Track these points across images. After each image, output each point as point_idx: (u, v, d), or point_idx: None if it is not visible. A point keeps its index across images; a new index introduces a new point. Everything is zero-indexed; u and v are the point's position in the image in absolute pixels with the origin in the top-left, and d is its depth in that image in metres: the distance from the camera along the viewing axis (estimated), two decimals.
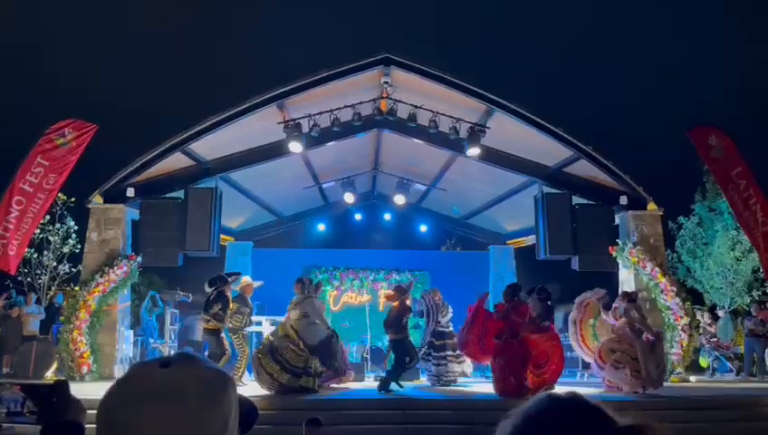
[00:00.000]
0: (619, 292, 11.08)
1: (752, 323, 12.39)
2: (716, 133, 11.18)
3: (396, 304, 9.25)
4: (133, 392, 0.82)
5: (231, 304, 9.39)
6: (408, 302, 9.52)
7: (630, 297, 9.09)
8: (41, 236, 14.11)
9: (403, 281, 15.21)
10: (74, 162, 10.73)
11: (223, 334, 9.34)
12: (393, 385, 8.84)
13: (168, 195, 11.47)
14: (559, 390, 0.83)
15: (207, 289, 9.29)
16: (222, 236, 12.59)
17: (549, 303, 9.12)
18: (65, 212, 14.23)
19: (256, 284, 10.47)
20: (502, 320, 8.49)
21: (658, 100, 37.63)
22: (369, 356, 12.25)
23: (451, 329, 10.37)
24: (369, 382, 10.53)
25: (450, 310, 10.56)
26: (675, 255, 17.40)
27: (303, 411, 7.33)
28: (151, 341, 12.36)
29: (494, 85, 10.86)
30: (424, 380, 10.71)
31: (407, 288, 9.72)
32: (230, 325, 9.48)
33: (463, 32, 47.41)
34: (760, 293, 15.80)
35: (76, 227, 14.17)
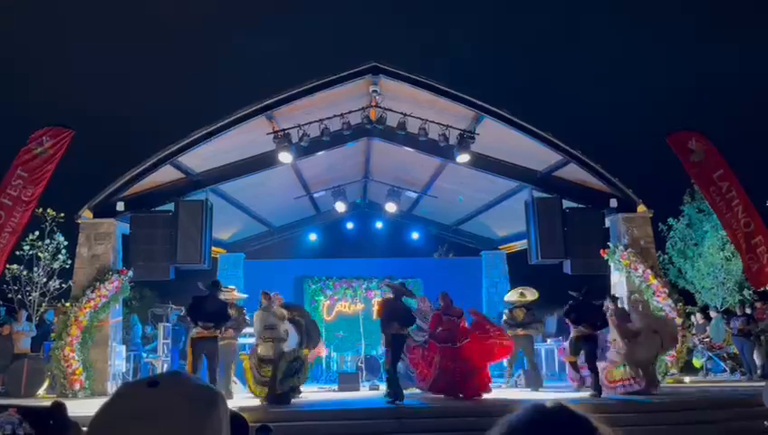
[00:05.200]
0: (612, 294, 11.16)
1: (740, 323, 12.44)
2: (696, 137, 11.30)
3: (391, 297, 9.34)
4: (121, 414, 0.81)
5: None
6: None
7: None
8: (30, 252, 14.00)
9: None
10: (51, 171, 10.56)
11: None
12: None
13: (158, 208, 11.41)
14: (545, 399, 0.83)
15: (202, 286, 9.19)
16: (213, 248, 12.55)
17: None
18: (55, 228, 14.13)
19: (241, 295, 10.56)
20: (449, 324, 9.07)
21: (645, 101, 37.92)
22: (363, 365, 12.22)
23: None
24: (365, 392, 10.49)
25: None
26: (665, 256, 17.51)
27: (297, 423, 7.30)
28: (144, 355, 12.27)
29: (482, 90, 10.92)
30: (414, 389, 10.64)
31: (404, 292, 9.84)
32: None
33: (450, 36, 47.62)
34: (751, 292, 15.90)
35: (66, 243, 14.07)
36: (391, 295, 9.23)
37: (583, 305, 9.26)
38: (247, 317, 10.36)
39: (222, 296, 9.58)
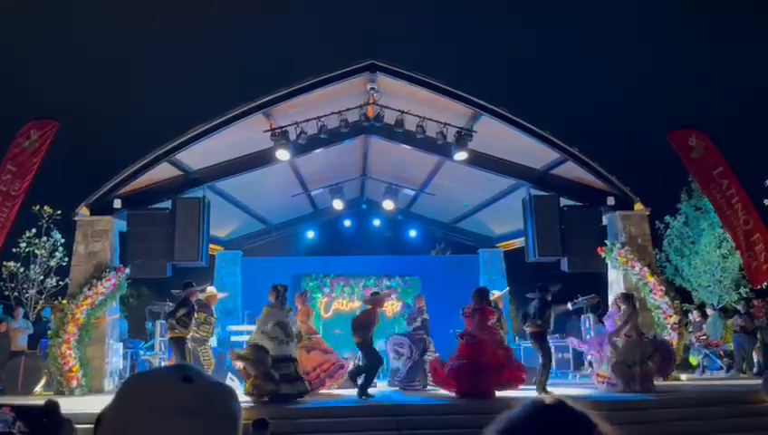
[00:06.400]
0: (611, 293, 11.19)
1: (741, 320, 12.50)
2: (696, 134, 11.34)
3: (370, 308, 9.30)
4: (163, 408, 0.80)
5: (198, 314, 9.14)
6: (378, 310, 9.49)
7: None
8: (27, 249, 13.98)
9: (393, 286, 15.24)
10: (38, 164, 10.55)
11: (188, 345, 8.87)
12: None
13: (155, 205, 11.39)
14: (544, 396, 0.82)
15: (176, 293, 9.15)
16: (211, 245, 12.53)
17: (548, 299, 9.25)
18: (51, 225, 14.11)
19: (221, 295, 10.43)
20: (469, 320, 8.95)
21: (643, 99, 37.94)
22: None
23: (423, 336, 10.47)
24: None
25: (425, 317, 10.68)
26: (662, 254, 17.53)
27: (295, 421, 7.30)
28: (141, 353, 12.24)
29: (480, 89, 10.90)
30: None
31: (381, 298, 9.80)
32: (197, 335, 9.22)
33: (448, 34, 47.58)
34: (747, 289, 15.93)
35: (63, 241, 14.05)
36: (369, 307, 9.30)
37: (542, 303, 9.25)
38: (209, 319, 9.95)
39: (200, 296, 9.51)
